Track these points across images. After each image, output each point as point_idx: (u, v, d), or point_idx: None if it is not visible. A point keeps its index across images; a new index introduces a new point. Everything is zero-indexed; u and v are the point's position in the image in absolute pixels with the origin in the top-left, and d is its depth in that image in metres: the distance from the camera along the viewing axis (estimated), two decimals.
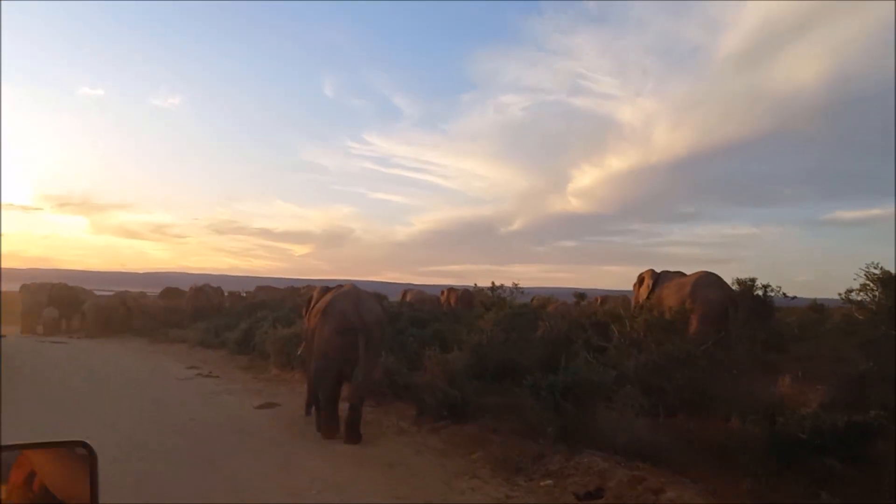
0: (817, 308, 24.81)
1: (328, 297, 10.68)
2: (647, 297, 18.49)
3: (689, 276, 17.39)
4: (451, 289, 37.99)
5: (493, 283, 23.72)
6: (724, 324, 13.66)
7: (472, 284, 29.56)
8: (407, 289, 42.97)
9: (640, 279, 19.41)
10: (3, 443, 1.23)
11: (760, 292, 18.46)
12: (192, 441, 9.49)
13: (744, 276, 18.32)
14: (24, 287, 32.77)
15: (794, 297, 19.89)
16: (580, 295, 18.83)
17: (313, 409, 10.97)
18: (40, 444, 1.28)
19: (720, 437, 8.34)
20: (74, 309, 32.43)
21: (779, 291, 18.48)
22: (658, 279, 18.72)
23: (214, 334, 24.06)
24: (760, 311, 18.17)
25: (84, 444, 1.28)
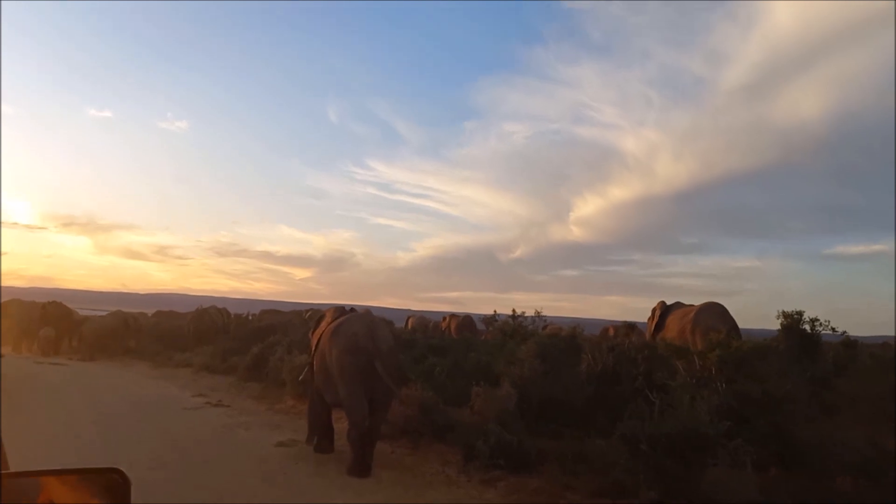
0: (850, 344, 23.36)
1: (340, 320, 10.33)
2: (656, 329, 18.12)
3: (694, 306, 17.20)
4: (452, 315, 36.89)
5: (513, 310, 22.28)
6: None
7: (469, 311, 28.34)
8: (409, 315, 41.78)
9: (653, 310, 19.13)
10: (25, 469, 1.17)
11: (808, 327, 17.21)
12: (211, 490, 8.06)
13: (747, 308, 17.76)
14: (12, 303, 30.91)
15: (844, 333, 18.71)
16: (630, 325, 17.08)
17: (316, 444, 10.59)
18: (70, 470, 1.21)
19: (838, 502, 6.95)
20: (69, 329, 30.84)
21: (827, 326, 17.25)
22: (666, 310, 18.42)
23: (221, 359, 22.60)
24: (807, 347, 16.93)
25: (117, 471, 1.22)
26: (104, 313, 34.82)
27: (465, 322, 34.46)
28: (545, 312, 36.58)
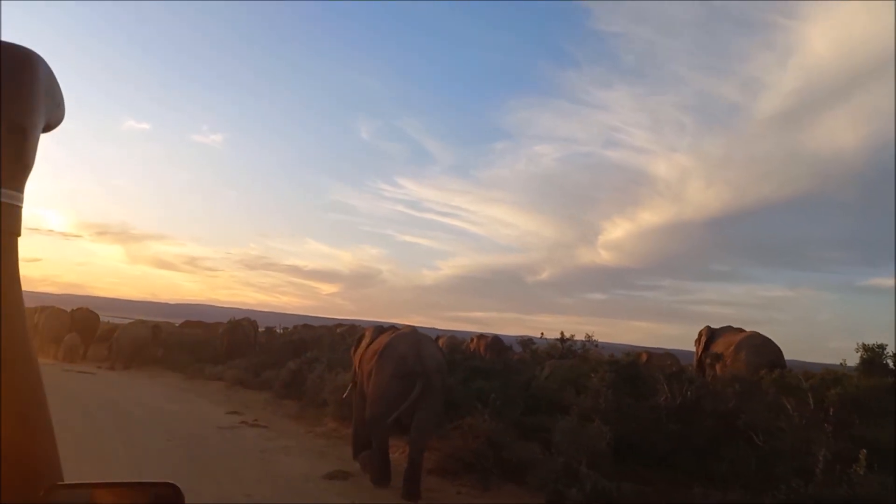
0: None
1: (384, 338, 9.91)
2: (702, 354, 17.25)
3: (739, 334, 16.50)
4: (480, 336, 35.71)
5: (562, 333, 20.80)
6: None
7: (494, 332, 26.68)
8: (438, 335, 40.50)
9: (700, 334, 18.36)
10: (78, 480, 1.05)
11: (890, 362, 15.58)
12: None
13: (778, 339, 16.39)
14: (41, 309, 29.88)
15: None
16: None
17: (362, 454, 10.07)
18: (123, 483, 1.09)
19: None
20: (94, 336, 29.78)
21: None
22: (713, 336, 17.60)
23: (254, 373, 21.34)
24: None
25: (171, 486, 1.08)
26: (126, 321, 33.81)
27: (494, 343, 33.25)
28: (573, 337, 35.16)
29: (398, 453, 10.26)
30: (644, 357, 26.80)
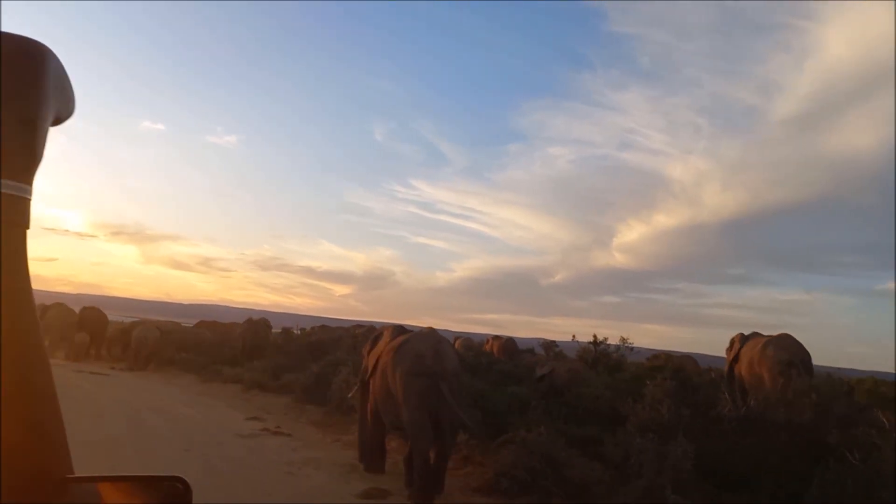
0: None
1: (402, 338, 9.55)
2: (734, 360, 16.48)
3: (768, 337, 15.79)
4: (495, 337, 34.88)
5: (594, 336, 19.56)
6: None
7: (508, 334, 25.50)
8: (455, 336, 39.47)
9: (732, 342, 17.34)
10: (86, 474, 1.06)
11: None
12: None
13: None
14: (52, 307, 28.81)
15: None
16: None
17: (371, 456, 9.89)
18: (132, 477, 1.13)
19: None
20: (103, 335, 28.88)
21: None
22: (744, 341, 16.74)
23: (273, 376, 20.26)
24: None
25: (179, 479, 1.09)
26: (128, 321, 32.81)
27: (508, 345, 32.34)
28: (586, 339, 33.96)
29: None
30: (662, 358, 25.68)
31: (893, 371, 14.61)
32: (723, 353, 17.28)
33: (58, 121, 0.99)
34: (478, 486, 8.79)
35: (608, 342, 19.40)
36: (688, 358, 28.30)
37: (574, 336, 20.33)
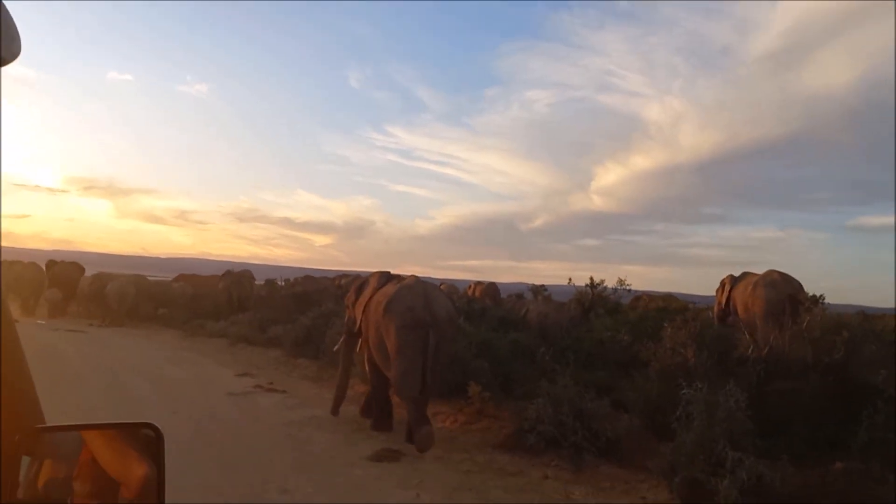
0: None
1: (389, 289, 9.18)
2: (727, 302, 16.19)
3: (759, 274, 15.46)
4: (477, 283, 34.41)
5: (591, 279, 18.78)
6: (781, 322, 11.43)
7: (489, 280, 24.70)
8: (439, 283, 38.86)
9: (722, 284, 17.02)
10: (67, 423, 1.20)
11: None
12: None
13: None
14: (16, 264, 27.15)
15: None
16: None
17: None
18: (105, 424, 1.26)
19: None
20: (75, 290, 27.64)
21: None
22: (735, 282, 16.50)
23: (259, 329, 19.39)
24: None
25: (150, 426, 1.24)
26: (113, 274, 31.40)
27: (491, 290, 31.85)
28: (566, 282, 33.42)
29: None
30: (643, 299, 25.19)
31: (867, 305, 14.26)
32: (702, 292, 17.21)
33: (2, 62, 0.94)
34: (498, 443, 8.05)
35: (605, 284, 18.61)
36: (669, 297, 27.92)
37: (570, 280, 19.46)
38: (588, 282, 18.86)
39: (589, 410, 7.32)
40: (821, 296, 12.78)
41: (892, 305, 14.19)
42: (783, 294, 13.96)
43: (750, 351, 9.68)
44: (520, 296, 32.01)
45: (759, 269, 15.79)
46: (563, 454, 7.25)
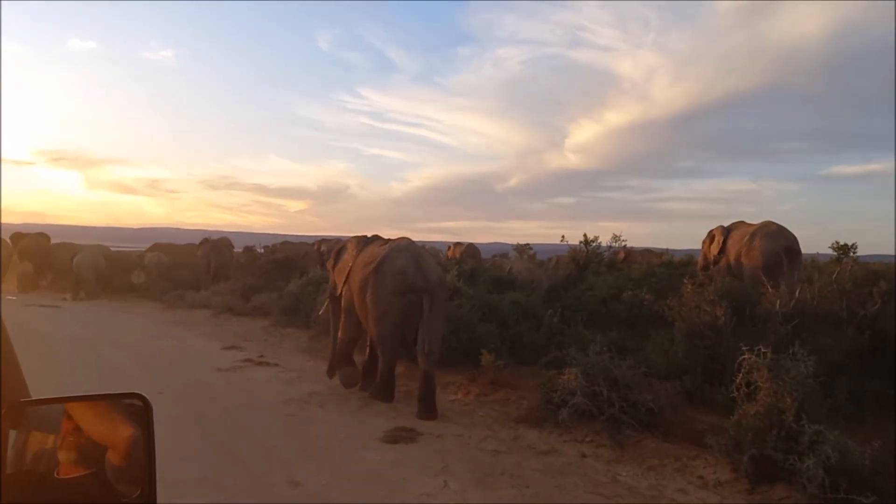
0: None
1: (376, 250, 8.86)
2: (719, 253, 15.69)
3: (751, 226, 15.20)
4: (456, 244, 33.84)
5: (585, 235, 17.98)
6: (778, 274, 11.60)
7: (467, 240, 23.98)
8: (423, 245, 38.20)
9: (711, 236, 16.52)
10: (52, 395, 1.20)
11: None
12: None
13: None
14: None
15: None
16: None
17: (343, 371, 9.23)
18: (91, 396, 1.23)
19: None
20: (47, 262, 26.26)
21: None
22: (728, 233, 16.11)
23: (242, 298, 18.45)
24: None
25: (138, 396, 1.24)
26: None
27: (470, 251, 31.29)
28: (544, 240, 32.59)
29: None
30: (622, 254, 24.60)
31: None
32: (679, 246, 16.95)
33: None
34: (521, 417, 7.30)
35: (599, 240, 17.86)
36: (647, 251, 27.36)
37: (563, 237, 18.65)
38: (582, 239, 18.13)
39: (624, 378, 6.57)
40: (853, 245, 12.06)
41: (865, 252, 14.04)
42: (780, 245, 13.78)
43: (777, 306, 8.99)
44: (504, 255, 31.32)
45: (735, 221, 15.69)
46: (597, 428, 6.52)
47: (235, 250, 29.06)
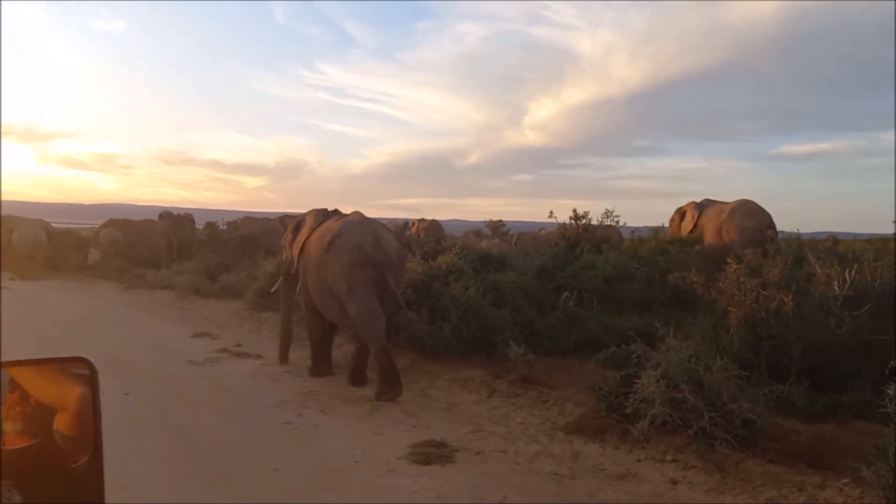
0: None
1: (331, 225, 8.39)
2: (692, 230, 15.47)
3: (730, 203, 15.18)
4: (420, 220, 32.95)
5: (574, 211, 16.57)
6: (759, 250, 11.61)
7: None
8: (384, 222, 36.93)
9: (682, 213, 16.62)
10: None
11: None
12: None
13: None
14: None
15: None
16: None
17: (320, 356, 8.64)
18: (36, 360, 1.20)
19: None
20: None
21: None
22: (701, 209, 15.93)
23: (208, 277, 16.71)
24: None
25: (83, 360, 1.20)
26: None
27: (433, 227, 30.32)
28: (503, 218, 31.74)
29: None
30: (540, 233, 23.51)
31: (790, 230, 15.06)
32: (635, 223, 16.86)
33: None
34: (572, 426, 5.91)
35: (588, 216, 16.56)
36: (612, 228, 26.45)
37: (552, 213, 17.23)
38: (571, 215, 16.78)
39: (712, 382, 5.24)
40: None
41: (813, 230, 14.71)
42: (763, 222, 13.84)
43: (837, 288, 7.78)
44: (477, 233, 30.02)
45: (687, 200, 16.11)
46: (678, 444, 5.18)
47: (196, 227, 27.04)
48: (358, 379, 7.91)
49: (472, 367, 7.95)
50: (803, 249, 11.54)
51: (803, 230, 15.29)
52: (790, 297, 6.88)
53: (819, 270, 8.25)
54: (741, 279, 7.52)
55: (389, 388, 7.09)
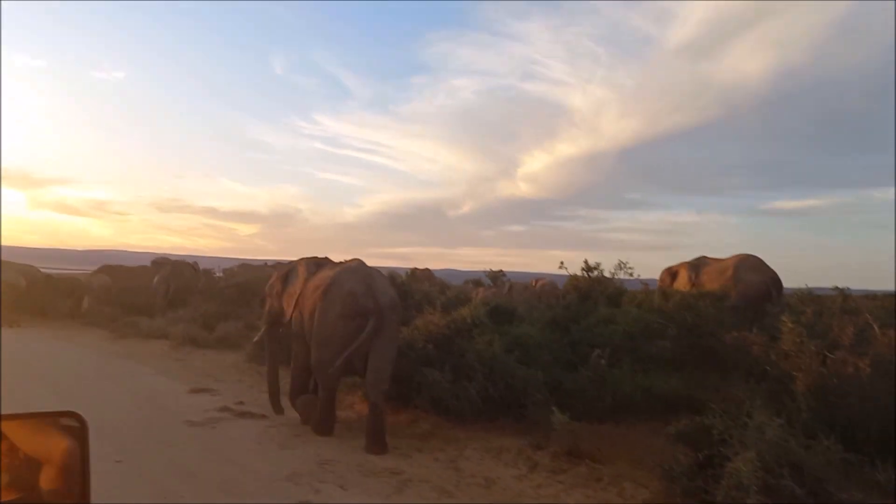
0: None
1: (326, 273, 8.11)
2: (691, 288, 14.79)
3: (729, 259, 14.83)
4: (413, 269, 32.51)
5: (586, 261, 15.90)
6: (764, 306, 11.69)
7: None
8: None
9: (672, 273, 16.17)
10: None
11: None
12: None
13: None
14: None
15: None
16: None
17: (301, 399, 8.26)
18: (27, 414, 1.20)
19: None
20: None
21: None
22: (697, 269, 15.60)
23: (205, 327, 15.78)
24: None
25: (74, 414, 1.22)
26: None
27: (425, 275, 30.21)
28: (495, 268, 31.25)
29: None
30: (535, 284, 22.74)
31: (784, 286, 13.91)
32: (625, 276, 15.59)
33: None
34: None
35: (601, 267, 15.82)
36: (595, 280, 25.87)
37: (562, 264, 16.47)
38: (584, 265, 16.04)
39: (812, 465, 4.40)
40: None
41: (805, 285, 14.08)
42: (768, 276, 13.57)
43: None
44: (477, 282, 29.21)
45: (677, 253, 15.49)
46: None
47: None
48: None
49: (502, 434, 7.10)
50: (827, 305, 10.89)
51: (799, 285, 14.63)
52: (867, 361, 6.09)
53: (878, 331, 7.48)
54: (801, 340, 6.75)
55: (374, 444, 7.00)
